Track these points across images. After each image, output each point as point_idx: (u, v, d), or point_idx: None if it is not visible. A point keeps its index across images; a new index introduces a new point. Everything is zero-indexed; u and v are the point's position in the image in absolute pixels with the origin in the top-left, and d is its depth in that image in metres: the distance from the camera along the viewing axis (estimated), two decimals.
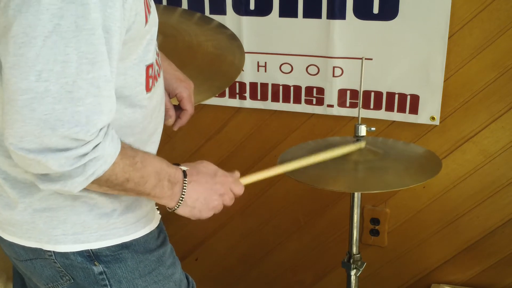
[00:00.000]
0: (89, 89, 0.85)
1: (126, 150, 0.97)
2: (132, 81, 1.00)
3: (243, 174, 2.16)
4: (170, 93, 1.27)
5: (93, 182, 0.92)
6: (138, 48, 0.99)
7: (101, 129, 0.90)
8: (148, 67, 1.04)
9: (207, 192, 1.10)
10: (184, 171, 1.07)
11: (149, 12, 0.99)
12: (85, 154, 0.88)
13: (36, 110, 0.82)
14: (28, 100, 0.82)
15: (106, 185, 0.95)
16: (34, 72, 0.81)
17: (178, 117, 1.28)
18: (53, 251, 1.06)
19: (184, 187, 1.06)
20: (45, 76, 0.81)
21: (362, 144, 1.45)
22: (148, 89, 1.05)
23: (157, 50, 1.11)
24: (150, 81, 1.05)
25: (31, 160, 0.86)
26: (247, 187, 2.12)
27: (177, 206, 1.07)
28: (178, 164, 1.08)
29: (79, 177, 0.89)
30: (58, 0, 0.80)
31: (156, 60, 1.08)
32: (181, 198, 1.06)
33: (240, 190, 1.17)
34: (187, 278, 1.26)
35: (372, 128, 1.50)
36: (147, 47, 1.01)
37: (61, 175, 0.89)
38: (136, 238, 1.11)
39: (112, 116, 0.92)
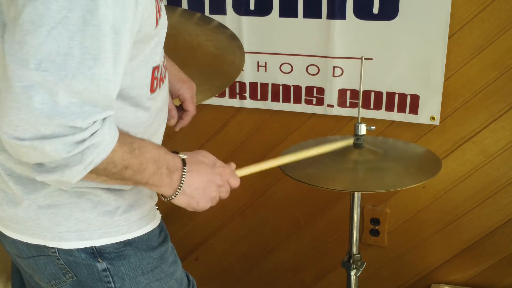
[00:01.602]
0: (87, 85, 0.84)
1: (124, 137, 0.95)
2: (138, 82, 1.01)
3: None
4: (172, 94, 1.28)
5: (91, 172, 0.89)
6: (145, 49, 0.99)
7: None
8: (155, 68, 1.04)
9: (206, 182, 1.08)
10: (183, 159, 1.06)
11: (159, 15, 1.00)
12: (83, 141, 0.86)
13: (32, 98, 0.81)
14: (25, 87, 0.81)
15: (104, 174, 0.92)
16: (34, 60, 0.80)
17: (180, 117, 1.30)
18: (57, 248, 1.06)
19: (183, 175, 1.04)
20: (45, 66, 0.80)
21: (350, 141, 1.46)
22: (152, 90, 1.05)
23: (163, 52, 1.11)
24: (155, 82, 1.06)
25: (26, 147, 0.84)
26: (247, 188, 2.13)
27: (175, 195, 1.05)
28: (176, 152, 1.07)
29: (77, 166, 0.87)
30: None
31: (162, 63, 1.08)
32: (179, 187, 1.04)
33: (236, 183, 1.15)
34: (188, 277, 1.26)
35: (372, 127, 1.50)
36: (154, 49, 1.01)
37: (58, 164, 0.87)
38: (139, 236, 1.11)
39: (108, 113, 0.90)
